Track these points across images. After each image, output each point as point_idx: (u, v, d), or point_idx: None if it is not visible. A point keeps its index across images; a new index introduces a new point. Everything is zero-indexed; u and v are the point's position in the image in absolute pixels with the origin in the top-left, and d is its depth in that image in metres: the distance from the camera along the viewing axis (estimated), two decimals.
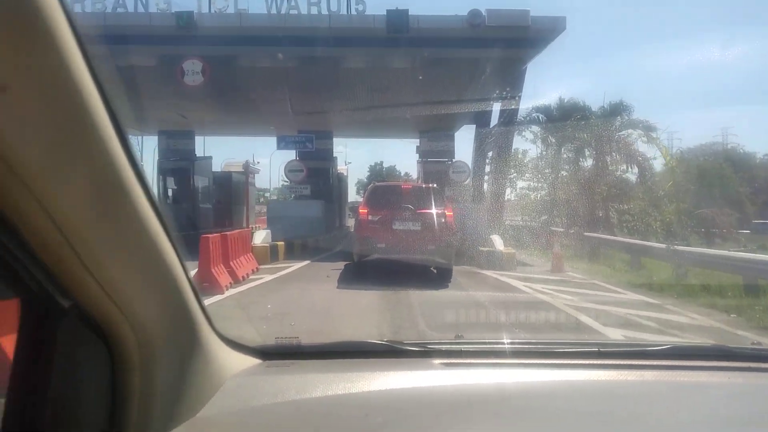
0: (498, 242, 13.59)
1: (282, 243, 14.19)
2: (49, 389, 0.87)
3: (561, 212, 20.25)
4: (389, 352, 1.60)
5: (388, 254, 10.37)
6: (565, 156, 21.31)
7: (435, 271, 10.91)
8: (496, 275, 11.68)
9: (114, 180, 0.79)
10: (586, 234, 16.23)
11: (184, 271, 1.05)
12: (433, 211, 10.97)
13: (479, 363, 1.55)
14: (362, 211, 11.75)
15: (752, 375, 1.49)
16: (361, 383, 1.34)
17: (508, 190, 25.18)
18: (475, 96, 21.49)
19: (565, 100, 20.93)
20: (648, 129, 18.39)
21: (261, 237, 13.71)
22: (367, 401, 1.27)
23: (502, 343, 1.68)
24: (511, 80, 20.15)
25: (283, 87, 20.35)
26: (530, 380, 1.42)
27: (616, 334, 6.35)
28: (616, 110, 18.72)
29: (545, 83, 68.36)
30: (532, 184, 22.93)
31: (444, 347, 1.64)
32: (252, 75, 19.60)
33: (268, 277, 11.17)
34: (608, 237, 15.46)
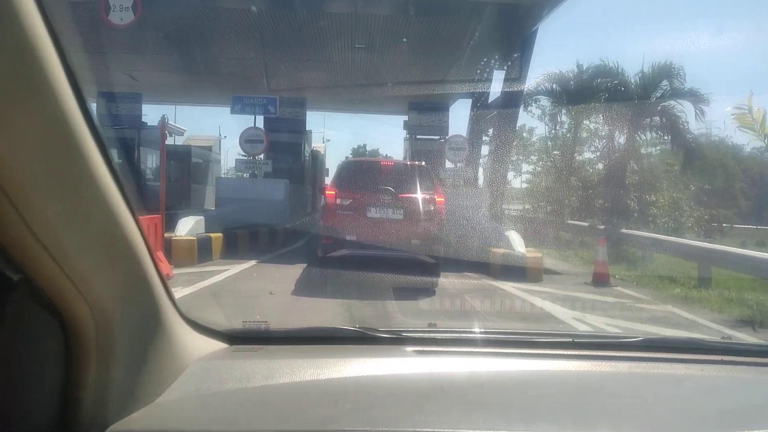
0: (517, 241, 9.90)
1: (219, 235, 10.33)
2: None
3: (583, 203, 16.56)
4: (361, 339, 1.54)
5: (361, 250, 7.90)
6: (585, 135, 17.50)
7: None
8: (521, 292, 7.98)
9: (70, 145, 0.74)
10: (623, 231, 12.56)
11: (146, 247, 0.99)
12: (419, 195, 8.09)
13: (452, 351, 1.52)
14: (329, 193, 8.30)
15: (724, 368, 1.48)
16: (331, 370, 1.30)
17: (512, 174, 21.56)
18: (475, 61, 17.83)
19: (585, 67, 17.05)
20: (698, 101, 14.63)
21: (186, 227, 9.82)
22: (336, 388, 1.24)
23: (476, 332, 1.68)
24: (517, 43, 16.48)
25: (250, 40, 16.62)
26: (504, 369, 1.40)
27: None
28: (660, 75, 14.89)
29: (560, 51, 61.49)
30: (545, 167, 19.11)
31: (417, 335, 1.60)
32: (212, 24, 15.75)
33: (178, 292, 7.35)
34: (660, 237, 11.80)
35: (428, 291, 7.40)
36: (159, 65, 20.18)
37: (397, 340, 1.55)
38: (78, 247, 0.83)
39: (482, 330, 1.68)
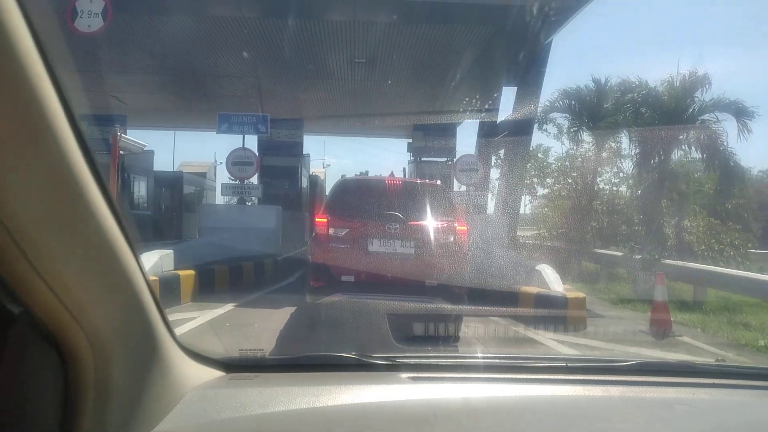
0: (552, 278, 8.11)
1: (190, 273, 8.55)
2: None
3: (610, 230, 14.76)
4: (356, 366, 1.56)
5: (359, 295, 5.95)
6: (608, 154, 15.77)
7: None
8: (567, 348, 6.18)
9: (68, 180, 0.75)
10: (666, 262, 10.73)
11: (144, 278, 1.02)
12: (435, 223, 6.30)
13: (447, 377, 1.52)
14: (319, 221, 6.54)
15: (717, 391, 1.49)
16: (326, 397, 1.31)
17: (528, 199, 19.84)
18: (484, 77, 16.33)
19: (604, 81, 15.42)
20: (740, 114, 12.93)
21: (148, 264, 8.06)
22: (331, 415, 1.25)
23: (470, 357, 1.78)
24: (530, 57, 15.00)
25: (242, 58, 15.23)
26: (497, 395, 1.40)
27: None
28: (694, 86, 13.21)
29: (575, 66, 59.06)
30: (563, 189, 17.36)
31: (412, 360, 1.62)
32: (201, 40, 14.36)
33: None
34: (718, 269, 9.95)
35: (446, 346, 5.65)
36: (145, 86, 18.78)
37: (392, 367, 1.55)
38: (77, 280, 0.84)
39: (476, 355, 1.78)
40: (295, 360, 1.65)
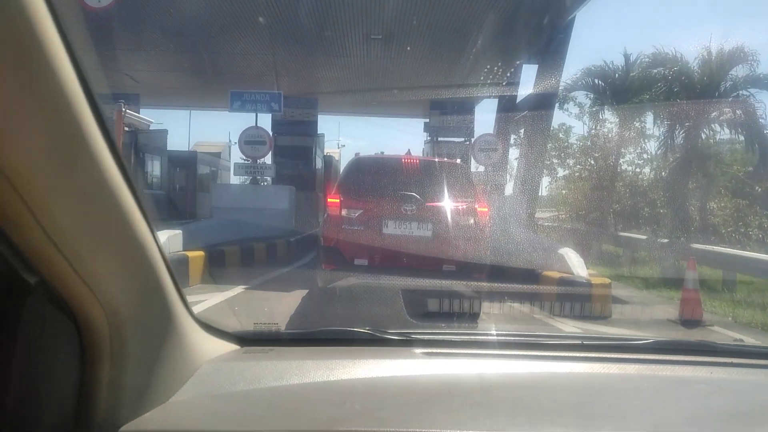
0: (576, 262, 7.71)
1: (199, 254, 8.30)
2: (13, 368, 0.83)
3: (633, 212, 14.25)
4: (370, 341, 1.56)
5: (373, 279, 5.78)
6: (634, 134, 15.18)
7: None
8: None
9: (84, 151, 0.75)
10: (695, 247, 10.26)
11: (159, 250, 1.01)
12: (454, 204, 5.98)
13: (461, 353, 1.51)
14: (331, 201, 6.21)
15: (735, 370, 1.47)
16: (340, 371, 1.31)
17: (548, 180, 19.33)
18: (504, 54, 15.78)
19: (634, 57, 14.78)
20: None
21: None
22: (346, 389, 1.25)
23: (484, 334, 1.76)
24: (552, 33, 14.42)
25: (257, 34, 14.85)
26: (512, 371, 1.40)
27: None
28: (730, 62, 12.56)
29: (599, 43, 56.31)
30: (585, 170, 16.82)
31: (426, 336, 1.61)
32: (217, 19, 14.03)
33: None
34: (753, 255, 9.49)
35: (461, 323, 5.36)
36: (159, 64, 18.50)
37: (406, 342, 1.55)
38: (92, 251, 0.85)
39: (490, 332, 1.70)
40: (310, 334, 1.65)
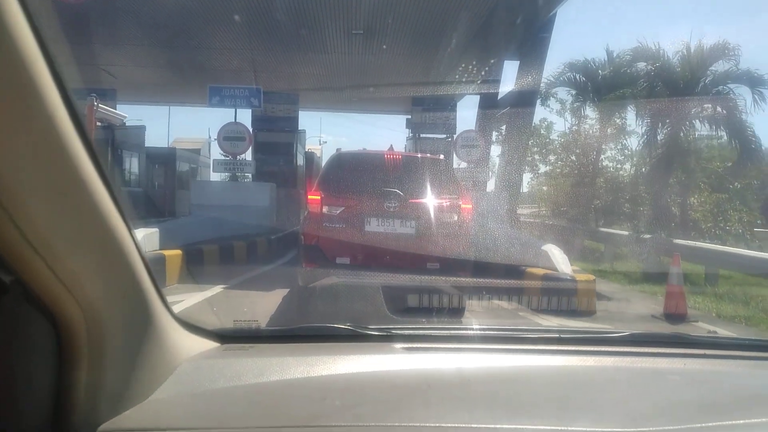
0: (560, 259, 7.65)
1: (176, 253, 8.08)
2: None
3: (613, 208, 14.28)
4: (350, 337, 1.56)
5: (355, 278, 5.62)
6: (615, 130, 15.21)
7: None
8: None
9: (58, 148, 0.75)
10: (677, 242, 10.28)
11: (136, 247, 1.00)
12: (438, 200, 5.86)
13: (440, 348, 1.53)
14: (312, 198, 6.05)
15: (708, 361, 1.50)
16: (320, 367, 1.31)
17: (529, 176, 19.33)
18: (486, 50, 15.71)
19: (617, 54, 14.79)
20: (755, 83, 12.36)
21: None
22: (326, 385, 1.26)
23: (464, 328, 1.85)
24: (534, 29, 14.41)
25: (234, 27, 14.57)
26: (490, 365, 1.41)
27: None
28: (711, 57, 12.59)
29: (582, 39, 56.77)
30: (566, 166, 16.84)
31: (406, 332, 1.61)
32: (194, 11, 13.73)
33: None
34: (734, 250, 9.52)
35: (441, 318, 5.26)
36: (136, 59, 18.09)
37: (386, 338, 1.55)
38: (69, 249, 0.84)
39: (469, 326, 1.76)
40: (290, 331, 1.64)
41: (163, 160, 22.94)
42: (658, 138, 13.17)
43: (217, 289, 7.56)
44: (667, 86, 12.78)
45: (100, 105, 11.03)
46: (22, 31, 0.65)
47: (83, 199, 0.82)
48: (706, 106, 12.92)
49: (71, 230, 0.83)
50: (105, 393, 0.99)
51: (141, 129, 21.52)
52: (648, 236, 11.17)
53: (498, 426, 1.09)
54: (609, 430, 1.08)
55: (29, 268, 0.81)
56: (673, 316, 6.73)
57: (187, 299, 6.79)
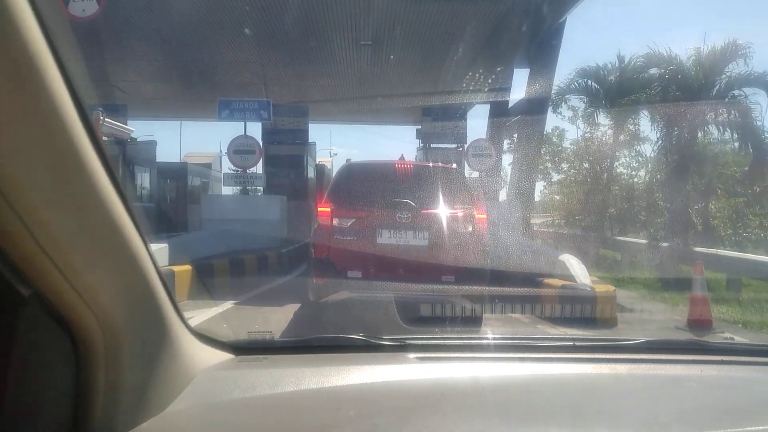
0: (578, 269, 7.45)
1: (186, 268, 7.97)
2: (8, 381, 0.83)
3: (630, 216, 14.02)
4: (364, 347, 1.56)
5: (368, 292, 5.55)
6: (628, 137, 14.98)
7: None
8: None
9: (75, 163, 0.76)
10: (698, 250, 10.03)
11: (152, 261, 1.02)
12: (452, 211, 5.74)
13: (454, 357, 1.53)
14: (322, 210, 5.90)
15: (725, 368, 1.48)
16: (335, 377, 1.32)
17: (542, 184, 19.10)
18: (496, 58, 15.58)
19: (628, 59, 14.60)
20: None
21: None
22: (340, 395, 1.26)
23: (478, 338, 1.79)
24: (544, 36, 14.26)
25: (245, 42, 14.57)
26: (505, 374, 1.41)
27: None
28: (725, 58, 12.37)
29: (592, 45, 55.69)
30: (580, 174, 16.60)
31: (420, 341, 1.62)
32: (203, 26, 13.74)
33: None
34: (760, 258, 9.26)
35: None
36: (147, 74, 18.19)
37: (400, 348, 1.55)
38: (86, 262, 0.85)
39: (484, 336, 1.82)
40: (304, 342, 1.65)
41: (175, 174, 22.98)
42: (673, 143, 12.91)
43: (228, 304, 7.43)
44: (680, 90, 12.54)
45: (106, 119, 11.01)
46: (39, 47, 0.66)
47: (100, 213, 0.83)
48: (721, 110, 12.66)
49: (88, 243, 0.84)
50: (122, 404, 0.99)
51: (152, 144, 21.57)
52: (666, 244, 10.90)
53: None
54: None
55: (47, 281, 0.82)
56: (698, 326, 6.49)
57: (198, 315, 6.65)
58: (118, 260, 0.92)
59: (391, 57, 15.74)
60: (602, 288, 7.13)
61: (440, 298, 5.39)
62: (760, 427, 1.10)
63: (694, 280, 6.89)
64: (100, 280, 0.89)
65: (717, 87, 12.54)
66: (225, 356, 1.45)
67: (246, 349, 1.52)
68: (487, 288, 5.69)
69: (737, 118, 12.58)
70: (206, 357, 1.36)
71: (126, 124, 19.39)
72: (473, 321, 5.55)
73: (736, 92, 12.56)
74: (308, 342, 1.65)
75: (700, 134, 12.97)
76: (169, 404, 1.13)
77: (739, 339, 5.79)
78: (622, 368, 1.45)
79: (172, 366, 1.17)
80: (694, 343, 1.83)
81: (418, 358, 1.47)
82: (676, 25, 50.53)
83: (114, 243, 0.89)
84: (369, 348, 1.55)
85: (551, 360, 1.50)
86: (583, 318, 6.44)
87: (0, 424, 0.82)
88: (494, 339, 1.70)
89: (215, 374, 1.32)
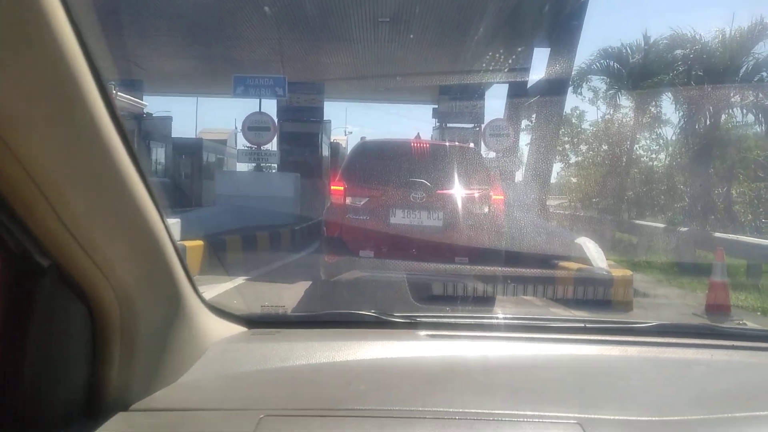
0: (594, 253, 7.32)
1: (198, 244, 7.95)
2: (27, 349, 0.85)
3: (649, 199, 13.78)
4: (375, 323, 1.58)
5: (380, 272, 5.43)
6: (650, 118, 14.66)
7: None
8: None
9: (94, 136, 0.77)
10: (718, 236, 9.82)
11: (167, 233, 1.03)
12: (468, 191, 5.56)
13: (464, 335, 1.53)
14: (335, 189, 5.81)
15: (736, 353, 1.47)
16: (345, 352, 1.33)
17: (560, 166, 18.84)
18: (515, 37, 15.26)
19: (653, 39, 14.21)
20: None
21: None
22: (351, 370, 1.27)
23: (488, 317, 1.87)
24: (565, 14, 13.92)
25: (261, 18, 14.40)
26: (514, 353, 1.41)
27: None
28: (752, 39, 11.99)
29: (615, 24, 53.80)
30: (599, 156, 16.34)
31: (431, 319, 1.63)
32: (221, 3, 13.60)
33: None
34: None
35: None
36: (164, 50, 18.08)
37: (411, 325, 1.56)
38: (104, 235, 0.87)
39: (494, 315, 1.81)
40: (316, 317, 1.68)
41: (190, 150, 23.05)
42: (695, 126, 12.60)
43: (239, 280, 7.41)
44: (705, 72, 12.19)
45: (119, 93, 10.97)
46: (62, 25, 0.67)
47: (118, 187, 0.85)
48: (747, 92, 12.31)
49: (107, 217, 0.86)
50: (137, 374, 1.02)
51: (168, 120, 21.62)
52: (685, 229, 10.69)
53: (521, 413, 1.07)
54: (633, 418, 1.06)
55: (66, 253, 0.84)
56: (716, 313, 6.35)
57: (208, 291, 6.62)
58: (135, 234, 0.94)
59: (411, 35, 15.47)
60: (619, 272, 6.99)
61: (453, 278, 5.32)
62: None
63: (714, 266, 6.73)
64: (117, 253, 0.91)
65: (744, 69, 12.17)
66: (238, 329, 1.48)
67: (259, 322, 1.54)
68: (501, 269, 5.61)
69: (764, 101, 12.21)
70: (219, 329, 1.38)
71: (142, 99, 19.42)
72: (486, 301, 5.48)
73: (765, 74, 12.18)
74: (320, 317, 1.67)
75: (723, 117, 12.61)
76: (183, 375, 1.15)
77: (752, 325, 5.68)
78: (632, 351, 1.44)
79: (186, 337, 1.19)
80: (705, 328, 1.83)
81: (428, 335, 1.48)
82: (703, 4, 49.17)
83: (132, 217, 0.91)
84: (380, 324, 1.57)
85: (561, 341, 1.50)
86: (599, 302, 6.32)
87: (20, 391, 0.85)
88: (504, 319, 1.72)
89: (228, 346, 1.34)
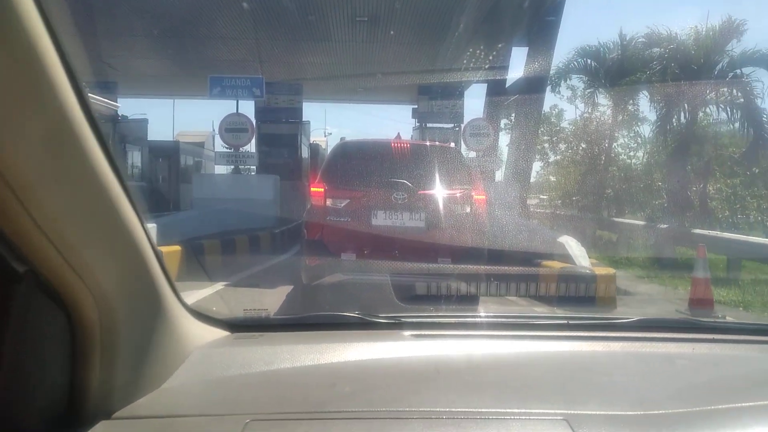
0: (577, 251, 7.31)
1: (175, 249, 7.76)
2: (3, 358, 0.83)
3: (627, 197, 13.88)
4: (360, 324, 1.58)
5: (362, 275, 5.28)
6: (627, 117, 14.78)
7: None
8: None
9: (70, 138, 0.76)
10: (696, 232, 9.88)
11: (147, 238, 1.02)
12: (450, 191, 5.49)
13: (449, 335, 1.54)
14: (315, 191, 5.69)
15: (717, 346, 1.50)
16: (330, 354, 1.33)
17: (540, 165, 18.92)
18: (494, 36, 15.28)
19: (630, 37, 14.33)
20: None
21: None
22: (336, 372, 1.27)
23: (472, 316, 1.85)
24: (543, 13, 13.98)
25: (237, 16, 14.21)
26: (499, 351, 1.42)
27: None
28: (724, 36, 12.12)
29: (592, 23, 54.81)
30: (577, 155, 16.43)
31: (415, 319, 1.63)
32: (195, 3, 13.37)
33: None
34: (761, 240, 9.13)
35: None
36: (138, 50, 17.74)
37: (395, 325, 1.56)
38: (81, 239, 0.85)
39: (478, 314, 1.85)
40: (300, 319, 1.67)
41: (167, 153, 22.70)
42: (672, 123, 12.71)
43: (218, 286, 7.25)
44: (681, 70, 12.32)
45: (90, 95, 10.70)
46: (35, 22, 0.66)
47: (95, 189, 0.83)
48: (722, 89, 12.46)
49: (83, 219, 0.84)
50: (118, 381, 1.00)
51: (143, 122, 21.25)
52: (664, 226, 10.77)
53: (507, 410, 1.07)
54: (618, 413, 1.07)
55: (42, 258, 0.82)
56: (699, 308, 6.37)
57: (189, 296, 6.43)
58: (113, 237, 0.92)
59: (391, 33, 15.40)
60: (602, 271, 6.99)
61: (436, 278, 5.24)
62: (751, 404, 1.11)
63: (696, 262, 6.77)
64: (95, 257, 0.89)
65: (719, 66, 12.31)
66: (221, 333, 1.46)
67: (242, 326, 1.52)
68: (484, 269, 5.54)
69: (739, 98, 12.37)
70: (202, 334, 1.36)
71: (116, 101, 19.03)
72: (470, 301, 5.41)
73: (738, 71, 12.34)
74: (304, 319, 1.66)
75: (700, 114, 12.75)
76: (166, 380, 1.13)
77: (730, 319, 5.70)
78: (615, 346, 1.46)
79: (168, 343, 1.17)
80: (687, 322, 1.86)
81: (413, 335, 1.47)
82: (679, 3, 49.86)
83: (109, 220, 0.89)
84: (364, 325, 1.56)
85: (545, 338, 1.50)
86: (582, 301, 6.29)
87: None
88: (489, 317, 1.74)
89: (211, 351, 1.32)
